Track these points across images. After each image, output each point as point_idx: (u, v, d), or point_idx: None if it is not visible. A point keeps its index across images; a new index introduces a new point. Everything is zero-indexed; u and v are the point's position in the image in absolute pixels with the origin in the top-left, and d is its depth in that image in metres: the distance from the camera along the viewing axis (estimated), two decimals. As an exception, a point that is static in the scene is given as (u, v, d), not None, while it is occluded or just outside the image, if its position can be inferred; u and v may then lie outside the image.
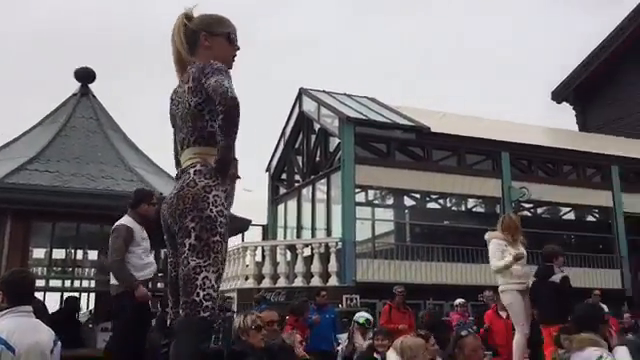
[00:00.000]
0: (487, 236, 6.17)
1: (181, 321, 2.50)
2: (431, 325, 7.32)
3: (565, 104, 24.09)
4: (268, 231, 17.94)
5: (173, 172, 3.02)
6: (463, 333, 3.97)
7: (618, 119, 21.43)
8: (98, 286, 7.82)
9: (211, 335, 2.61)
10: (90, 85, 8.96)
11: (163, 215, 2.73)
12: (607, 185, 16.40)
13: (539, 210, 17.75)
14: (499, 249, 5.89)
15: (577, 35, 42.44)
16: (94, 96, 8.95)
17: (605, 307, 8.14)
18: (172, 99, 2.89)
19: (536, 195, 15.35)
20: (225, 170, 2.59)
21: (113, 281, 5.01)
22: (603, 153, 16.42)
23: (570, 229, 17.44)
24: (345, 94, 16.39)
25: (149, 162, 8.58)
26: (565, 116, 25.06)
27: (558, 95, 23.95)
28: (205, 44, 2.80)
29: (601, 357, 3.52)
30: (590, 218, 18.26)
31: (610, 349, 3.73)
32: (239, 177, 2.74)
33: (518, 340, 5.80)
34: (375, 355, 5.91)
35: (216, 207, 2.57)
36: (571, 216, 18.11)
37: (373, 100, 16.53)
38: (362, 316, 8.55)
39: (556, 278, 5.71)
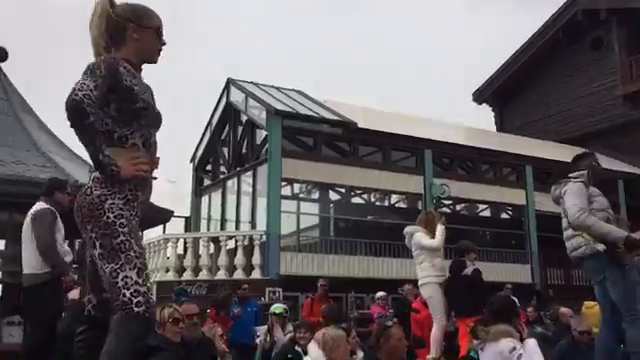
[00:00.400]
0: (410, 230, 6.30)
1: (118, 318, 2.43)
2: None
3: (485, 105, 25.10)
4: (191, 223, 17.62)
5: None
6: (389, 324, 4.04)
7: (532, 122, 22.55)
8: (5, 277, 7.39)
9: (149, 329, 2.54)
10: (2, 64, 8.44)
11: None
12: (521, 184, 17.20)
13: (458, 207, 18.40)
14: (427, 236, 6.08)
15: (505, 37, 44.16)
16: (5, 75, 8.43)
17: (516, 300, 8.51)
18: None
19: (456, 192, 15.87)
20: (106, 173, 2.47)
21: (28, 271, 4.75)
22: (518, 153, 17.20)
23: (486, 225, 18.19)
24: (273, 87, 16.30)
25: (64, 148, 8.18)
26: (486, 116, 26.05)
27: (478, 96, 24.89)
28: (134, 36, 2.67)
29: (514, 348, 3.67)
30: (505, 215, 19.12)
31: (521, 340, 3.89)
32: (154, 178, 2.65)
33: (435, 332, 5.98)
34: (296, 348, 5.91)
35: (113, 213, 2.49)
36: (487, 213, 18.90)
37: (301, 93, 16.54)
38: (278, 306, 8.31)
39: (468, 271, 5.93)
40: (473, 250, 6.45)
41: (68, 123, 2.39)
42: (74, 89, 2.37)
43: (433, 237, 6.12)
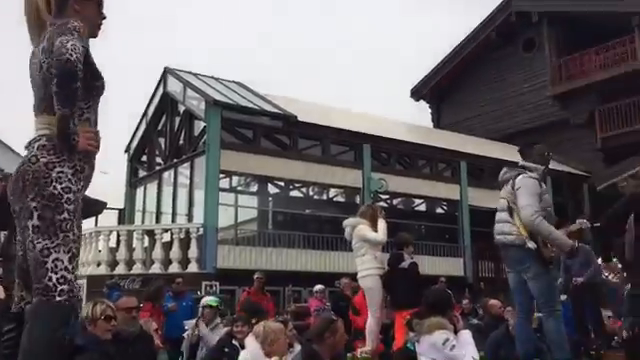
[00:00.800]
0: (352, 222, 6.31)
1: (34, 306, 2.28)
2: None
3: (423, 102, 25.61)
4: (125, 215, 17.13)
5: (22, 146, 2.74)
6: (334, 318, 4.08)
7: (467, 119, 23.20)
8: None
9: (68, 321, 2.39)
10: None
11: (8, 194, 2.47)
12: (456, 179, 17.65)
13: (395, 201, 18.71)
14: (371, 230, 6.11)
15: (444, 36, 45.06)
16: None
17: (451, 293, 8.72)
18: (30, 60, 2.63)
19: (393, 187, 16.12)
20: (65, 143, 2.37)
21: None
22: (453, 150, 17.64)
23: (421, 219, 18.60)
24: (213, 77, 16.03)
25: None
26: (424, 113, 26.65)
27: (416, 93, 25.38)
28: (75, 7, 2.58)
29: (447, 340, 3.76)
30: (439, 210, 19.60)
31: (456, 332, 3.98)
32: (97, 150, 2.54)
33: (372, 324, 6.05)
34: (234, 342, 5.84)
35: (61, 184, 2.36)
36: (423, 207, 19.31)
37: (241, 85, 16.35)
38: (212, 299, 7.93)
39: (405, 264, 6.02)
40: (411, 243, 6.55)
41: (55, 81, 2.29)
42: (68, 49, 2.27)
43: (375, 230, 6.17)
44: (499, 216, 4.50)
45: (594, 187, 17.11)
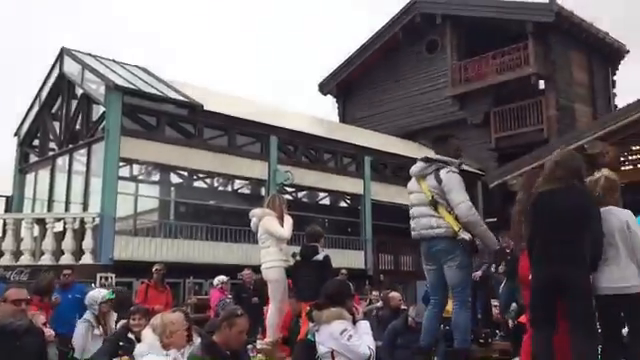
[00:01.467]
0: (259, 213, 6.24)
1: None
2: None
3: (330, 96, 25.91)
4: (13, 203, 16.03)
5: None
6: (239, 312, 3.95)
7: (372, 115, 23.77)
8: None
9: None
10: None
11: None
12: (360, 174, 18.02)
13: (300, 194, 18.82)
14: (278, 223, 6.06)
15: (353, 33, 45.68)
16: None
17: (351, 285, 8.89)
18: None
19: (298, 179, 16.19)
20: None
21: None
22: (358, 144, 17.99)
23: (325, 213, 18.81)
24: (114, 60, 15.32)
25: None
26: (331, 107, 26.99)
27: (323, 87, 25.63)
28: None
29: (345, 330, 3.81)
30: (343, 203, 19.93)
31: (354, 322, 4.04)
32: None
33: (273, 316, 6.03)
34: (129, 335, 5.62)
35: None
36: (327, 201, 19.56)
37: (145, 70, 15.75)
38: (107, 293, 7.40)
39: (320, 257, 6.05)
40: (323, 236, 6.60)
41: None
42: None
43: (281, 220, 6.15)
44: (419, 211, 4.51)
45: (487, 184, 18.04)
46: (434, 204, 4.35)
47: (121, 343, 5.29)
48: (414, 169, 4.65)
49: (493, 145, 20.53)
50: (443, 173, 4.37)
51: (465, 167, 4.48)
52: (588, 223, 3.60)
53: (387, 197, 18.00)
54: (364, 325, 4.09)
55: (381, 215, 17.80)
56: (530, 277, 3.74)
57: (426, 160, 4.63)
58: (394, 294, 9.09)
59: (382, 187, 18.20)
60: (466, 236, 4.14)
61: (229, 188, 17.56)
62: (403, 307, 8.29)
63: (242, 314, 3.94)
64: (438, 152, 4.63)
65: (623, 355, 3.74)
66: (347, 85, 25.01)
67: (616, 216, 3.70)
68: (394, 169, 18.59)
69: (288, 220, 6.14)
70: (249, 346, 5.89)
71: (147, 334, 3.64)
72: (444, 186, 4.32)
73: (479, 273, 7.69)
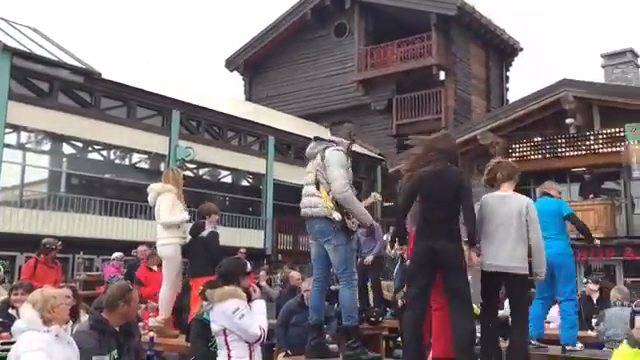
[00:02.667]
0: (157, 188, 6.07)
1: None
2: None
3: (237, 74, 25.51)
4: None
5: None
6: (130, 286, 3.96)
7: (278, 95, 23.68)
8: None
9: None
10: None
11: None
12: (263, 153, 17.97)
13: (201, 171, 18.49)
14: (172, 203, 5.90)
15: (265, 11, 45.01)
16: None
17: (249, 264, 8.89)
18: None
19: (200, 156, 15.89)
20: None
21: None
22: (263, 124, 17.90)
23: (227, 191, 18.64)
24: (3, 19, 14.20)
25: None
26: (237, 85, 26.59)
27: (230, 64, 25.20)
28: None
29: (238, 309, 3.82)
30: (245, 182, 19.82)
31: (250, 302, 4.05)
32: None
33: (166, 294, 5.92)
34: (10, 311, 5.34)
35: None
36: (229, 179, 19.37)
37: (38, 32, 14.73)
38: None
39: (204, 233, 5.98)
40: (215, 212, 6.50)
41: None
42: None
43: (180, 193, 6.03)
44: (306, 189, 4.60)
45: (386, 169, 18.59)
46: (317, 184, 4.43)
47: (0, 319, 5.02)
48: (307, 149, 4.74)
49: (394, 131, 21.14)
50: (328, 151, 4.46)
51: (355, 148, 4.58)
52: (461, 202, 3.90)
53: (289, 177, 18.09)
54: (259, 305, 4.10)
55: (283, 195, 17.89)
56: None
57: (316, 139, 4.71)
58: (294, 273, 9.19)
59: (285, 167, 18.28)
60: (337, 216, 4.23)
61: (126, 162, 16.91)
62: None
63: (133, 288, 3.97)
64: (333, 134, 4.70)
65: (505, 329, 4.06)
66: (255, 63, 24.73)
67: (515, 201, 3.98)
68: (297, 150, 18.70)
69: (182, 209, 5.93)
70: (140, 323, 5.76)
71: (26, 310, 3.45)
72: (325, 162, 4.40)
73: (370, 258, 7.90)
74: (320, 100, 22.75)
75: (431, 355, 4.18)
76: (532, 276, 4.00)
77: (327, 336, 5.44)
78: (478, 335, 4.05)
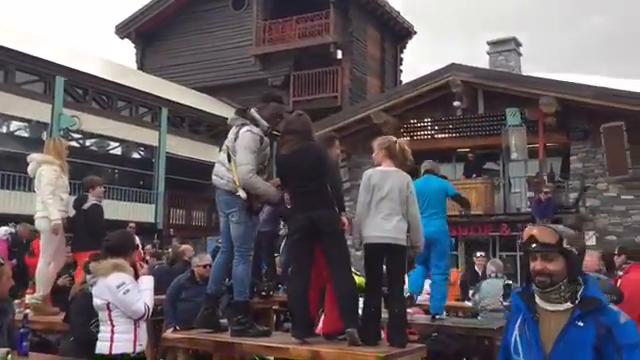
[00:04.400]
0: (39, 158, 5.69)
1: None
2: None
3: (128, 41, 24.35)
4: None
5: None
6: (1, 261, 3.71)
7: (172, 65, 22.90)
8: None
9: None
10: None
11: None
12: (156, 125, 17.37)
13: (88, 142, 17.59)
14: (54, 175, 5.55)
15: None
16: None
17: (137, 238, 8.61)
18: None
19: (87, 126, 15.10)
20: None
21: None
22: (156, 95, 17.28)
23: (116, 163, 17.89)
24: None
25: None
26: (129, 53, 25.35)
27: (121, 31, 24.00)
28: None
29: (123, 283, 3.70)
30: (136, 155, 19.10)
31: (137, 277, 3.94)
32: None
33: (43, 269, 5.62)
34: None
35: None
36: (118, 151, 18.58)
37: None
38: None
39: (86, 206, 5.74)
40: (99, 184, 6.20)
41: None
42: None
43: (63, 164, 5.70)
44: (219, 157, 4.52)
45: (282, 146, 18.63)
46: (228, 156, 4.37)
47: None
48: (229, 119, 4.64)
49: (291, 108, 21.14)
50: (243, 130, 4.38)
51: (276, 133, 4.54)
52: (325, 174, 4.10)
53: (183, 151, 17.69)
54: (146, 281, 4.00)
55: (176, 169, 17.46)
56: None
57: (238, 112, 4.63)
58: (186, 247, 9.03)
59: (179, 140, 17.81)
60: (242, 194, 4.23)
61: (4, 129, 15.72)
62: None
63: (3, 262, 3.71)
64: (259, 108, 4.58)
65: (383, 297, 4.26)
66: (148, 32, 23.69)
67: (398, 176, 4.14)
68: (192, 123, 18.28)
69: (53, 204, 5.60)
70: (16, 301, 5.42)
71: None
72: (236, 143, 4.33)
73: (266, 229, 7.91)
74: (217, 73, 22.27)
75: (322, 328, 4.29)
76: (411, 249, 4.23)
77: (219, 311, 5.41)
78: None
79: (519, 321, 2.31)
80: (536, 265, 2.24)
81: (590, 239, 12.85)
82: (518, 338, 2.28)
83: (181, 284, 6.38)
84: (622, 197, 13.30)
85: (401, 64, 25.20)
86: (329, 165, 4.19)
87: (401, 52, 25.24)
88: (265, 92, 5.30)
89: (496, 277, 7.09)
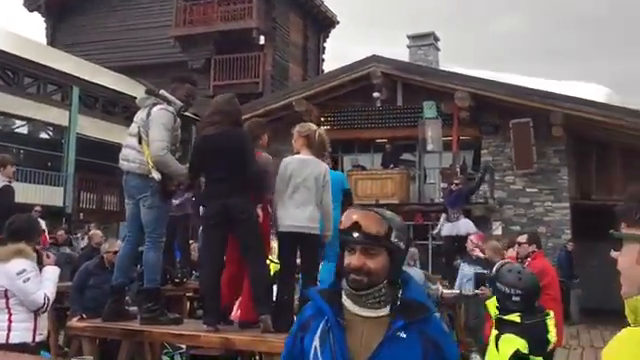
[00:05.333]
0: None
1: None
2: None
3: (38, 15, 23.00)
4: None
5: None
6: None
7: (86, 43, 21.86)
8: None
9: None
10: None
11: None
12: (66, 105, 16.54)
13: (-10, 119, 16.52)
14: None
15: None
16: None
17: (43, 222, 8.19)
18: None
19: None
20: None
21: None
22: (67, 73, 16.44)
23: (21, 143, 16.91)
24: None
25: None
26: (38, 27, 23.93)
27: (30, 2, 22.62)
28: None
29: (24, 270, 3.52)
30: (44, 135, 18.12)
31: (41, 266, 3.76)
32: None
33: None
34: None
35: None
36: (24, 130, 17.57)
37: None
38: None
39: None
40: (11, 163, 5.85)
41: None
42: None
43: None
44: (127, 140, 4.34)
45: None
46: (139, 138, 4.21)
47: None
48: (137, 99, 4.46)
49: (211, 92, 20.70)
50: (155, 109, 4.24)
51: (188, 114, 4.43)
52: (245, 162, 4.02)
53: (96, 132, 16.96)
54: (51, 271, 3.82)
55: (88, 151, 16.72)
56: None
57: (147, 92, 4.47)
58: (96, 232, 8.75)
59: (91, 121, 17.06)
60: (156, 176, 4.10)
61: None
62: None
63: None
64: (173, 89, 4.45)
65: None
66: (60, 5, 22.46)
67: (316, 166, 4.13)
68: (106, 104, 17.55)
69: None
70: None
71: None
72: (150, 120, 4.19)
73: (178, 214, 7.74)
74: (135, 53, 21.46)
75: (239, 316, 4.27)
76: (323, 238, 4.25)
77: (127, 298, 5.26)
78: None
79: (321, 327, 1.79)
80: (353, 260, 1.76)
81: (497, 229, 13.51)
82: (319, 349, 1.77)
83: (89, 270, 6.15)
84: (527, 190, 14.03)
85: (324, 53, 25.31)
86: (249, 155, 4.10)
87: (324, 41, 25.33)
88: (178, 75, 5.16)
89: (408, 265, 7.29)
